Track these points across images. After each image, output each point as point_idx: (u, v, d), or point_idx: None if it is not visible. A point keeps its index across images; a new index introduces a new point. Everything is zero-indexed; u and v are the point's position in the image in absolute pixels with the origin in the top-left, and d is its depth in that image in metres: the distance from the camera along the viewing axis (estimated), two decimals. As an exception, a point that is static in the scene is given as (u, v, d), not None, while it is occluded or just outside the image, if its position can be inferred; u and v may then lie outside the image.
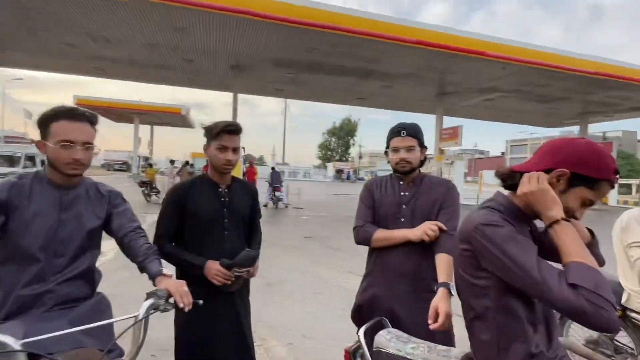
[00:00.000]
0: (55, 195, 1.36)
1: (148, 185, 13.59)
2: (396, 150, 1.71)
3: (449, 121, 19.52)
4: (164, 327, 3.15)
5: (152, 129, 32.32)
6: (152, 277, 1.32)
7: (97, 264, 1.50)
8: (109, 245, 1.52)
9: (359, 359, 1.43)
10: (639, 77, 13.82)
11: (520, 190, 1.07)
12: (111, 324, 1.31)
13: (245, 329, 1.79)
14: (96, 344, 1.21)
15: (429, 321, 1.44)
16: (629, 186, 29.54)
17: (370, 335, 1.41)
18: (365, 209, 1.82)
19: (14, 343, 0.92)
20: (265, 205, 13.95)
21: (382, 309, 1.65)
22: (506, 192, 1.19)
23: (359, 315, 1.77)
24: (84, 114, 1.34)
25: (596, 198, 1.05)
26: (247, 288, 1.87)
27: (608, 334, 2.29)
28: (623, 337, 2.28)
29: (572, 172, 1.02)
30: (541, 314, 1.10)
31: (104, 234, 1.50)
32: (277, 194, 13.73)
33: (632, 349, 2.19)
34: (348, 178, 52.15)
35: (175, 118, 27.40)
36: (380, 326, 1.50)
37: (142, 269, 1.37)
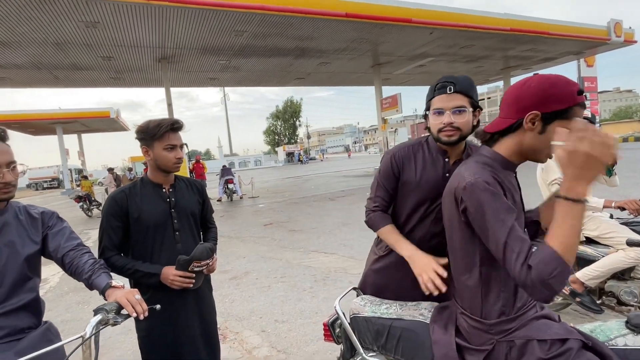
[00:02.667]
0: None
1: (86, 199, 12.52)
2: (439, 112, 1.31)
3: (387, 91, 20.08)
4: (129, 343, 3.03)
5: (79, 138, 29.58)
6: (102, 292, 1.25)
7: (41, 293, 1.40)
8: (51, 271, 1.40)
9: (337, 329, 1.48)
10: (547, 30, 15.19)
11: (567, 141, 0.90)
12: (62, 350, 1.24)
13: (212, 325, 1.78)
14: None
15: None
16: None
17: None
18: (382, 189, 1.50)
19: None
20: (220, 200, 13.57)
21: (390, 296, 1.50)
22: None
23: (365, 290, 1.60)
24: None
25: None
26: (209, 284, 1.84)
27: (613, 288, 2.48)
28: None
29: (541, 112, 1.01)
30: None
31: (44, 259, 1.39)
32: (230, 186, 13.39)
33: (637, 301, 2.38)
34: (299, 160, 52.13)
35: (105, 122, 25.23)
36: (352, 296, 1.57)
37: (89, 285, 1.30)
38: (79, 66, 14.07)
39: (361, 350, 1.37)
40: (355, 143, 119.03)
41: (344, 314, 1.43)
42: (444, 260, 1.30)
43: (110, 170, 14.15)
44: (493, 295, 1.12)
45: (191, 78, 17.89)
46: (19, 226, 1.32)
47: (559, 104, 0.99)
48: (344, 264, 4.68)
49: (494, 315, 1.11)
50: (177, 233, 1.66)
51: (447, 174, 1.37)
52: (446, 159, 1.39)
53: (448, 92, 1.29)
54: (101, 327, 1.09)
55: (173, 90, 15.70)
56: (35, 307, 1.34)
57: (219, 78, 18.53)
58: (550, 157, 1.05)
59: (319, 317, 3.23)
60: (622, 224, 2.45)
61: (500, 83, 24.73)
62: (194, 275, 1.55)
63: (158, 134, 1.56)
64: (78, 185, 19.88)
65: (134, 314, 1.15)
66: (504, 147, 1.12)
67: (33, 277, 1.34)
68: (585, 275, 2.50)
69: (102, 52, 12.65)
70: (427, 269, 1.29)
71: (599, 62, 25.39)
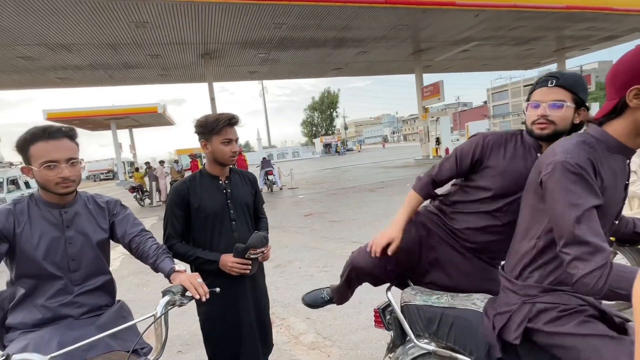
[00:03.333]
0: (54, 215, 1.37)
1: (139, 190, 13.42)
2: (536, 105, 1.26)
3: (428, 78, 19.40)
4: (184, 324, 3.24)
5: (131, 132, 31.55)
6: (167, 276, 1.35)
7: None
8: (112, 255, 1.54)
9: (388, 317, 1.51)
10: (608, 5, 13.78)
11: None
12: (135, 327, 1.38)
13: (265, 309, 1.87)
14: (123, 346, 1.28)
15: None
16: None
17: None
18: (451, 169, 1.46)
19: (40, 359, 0.96)
20: (260, 191, 13.93)
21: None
22: None
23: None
24: (60, 130, 1.33)
25: None
26: (262, 272, 1.93)
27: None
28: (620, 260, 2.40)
29: None
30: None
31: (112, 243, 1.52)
32: (270, 177, 13.72)
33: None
34: (336, 152, 52.07)
35: (153, 117, 26.71)
36: (404, 285, 1.59)
37: (155, 269, 1.41)
38: (129, 65, 14.97)
39: (413, 337, 1.38)
40: (394, 133, 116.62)
41: (395, 302, 1.45)
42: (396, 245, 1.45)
43: (162, 162, 15.01)
44: (537, 265, 1.14)
45: (232, 72, 18.39)
46: (88, 215, 1.44)
47: None
48: (386, 255, 4.66)
49: (530, 280, 1.15)
50: (233, 222, 1.75)
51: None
52: (538, 154, 1.31)
53: (549, 85, 1.23)
54: (170, 308, 1.18)
55: (215, 85, 16.25)
56: (109, 287, 1.48)
57: (259, 71, 18.88)
58: None
59: (363, 307, 3.25)
60: None
61: (554, 66, 22.95)
62: (250, 262, 1.63)
63: (216, 128, 1.64)
64: (130, 177, 21.28)
65: (197, 296, 1.23)
66: (614, 128, 1.03)
67: (105, 261, 1.48)
68: None
69: (150, 51, 13.35)
70: (387, 237, 1.45)
71: (670, 39, 22.72)
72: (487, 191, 1.37)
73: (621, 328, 1.06)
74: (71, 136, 1.36)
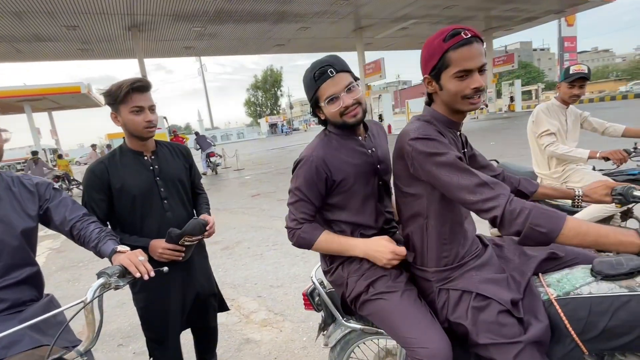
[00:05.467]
0: None
1: (65, 179, 12.13)
2: (334, 97, 1.24)
3: (370, 56, 19.68)
4: (124, 316, 3.04)
5: (50, 115, 28.11)
6: (109, 257, 1.23)
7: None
8: (37, 251, 1.35)
9: (316, 298, 1.50)
10: (530, -13, 14.92)
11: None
12: (65, 320, 1.23)
13: (209, 289, 1.78)
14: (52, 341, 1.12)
15: None
16: (529, 92, 33.15)
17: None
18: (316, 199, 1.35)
19: None
20: (205, 174, 13.34)
21: None
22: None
23: None
24: None
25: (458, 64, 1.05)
26: (204, 251, 1.81)
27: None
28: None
29: (429, 74, 1.12)
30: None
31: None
32: (212, 159, 13.13)
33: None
34: (282, 131, 51.44)
35: (76, 98, 23.86)
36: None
37: (98, 253, 1.28)
38: (41, 37, 13.18)
39: (340, 318, 1.42)
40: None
41: (321, 283, 1.47)
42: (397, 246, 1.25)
43: (94, 146, 13.66)
44: (437, 244, 1.16)
45: (165, 47, 17.04)
46: (12, 199, 1.25)
47: (433, 60, 1.09)
48: (334, 229, 4.74)
49: (437, 264, 1.17)
50: (165, 201, 1.58)
51: (370, 150, 1.31)
52: (359, 137, 1.32)
53: (331, 75, 1.20)
54: (104, 291, 1.06)
55: (149, 62, 14.97)
56: (36, 280, 1.30)
57: (195, 47, 17.72)
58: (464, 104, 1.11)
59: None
60: (604, 174, 2.53)
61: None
62: (183, 248, 1.50)
63: (120, 96, 1.43)
64: (54, 166, 19.08)
65: (138, 274, 1.13)
66: (436, 107, 1.20)
67: (31, 251, 1.30)
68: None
69: (66, 21, 11.82)
70: (387, 257, 1.21)
71: (579, 23, 25.40)
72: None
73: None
74: None
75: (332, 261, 1.36)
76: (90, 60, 18.98)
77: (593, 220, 2.51)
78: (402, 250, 1.21)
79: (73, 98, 23.49)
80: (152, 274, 1.15)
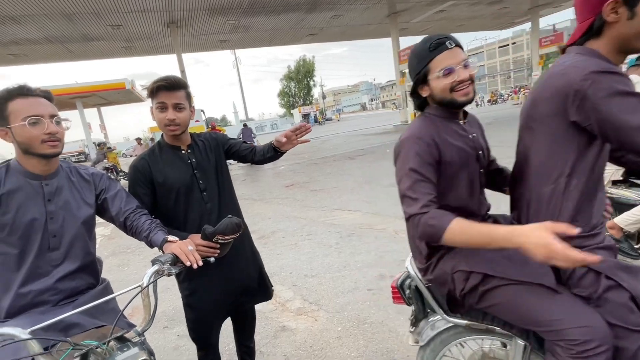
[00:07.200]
0: (35, 187, 1.24)
1: (113, 170, 12.97)
2: (450, 70, 1.17)
3: (405, 42, 19.08)
4: (169, 300, 3.21)
5: (99, 111, 29.95)
6: (160, 247, 1.29)
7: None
8: None
9: (407, 291, 1.37)
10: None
11: None
12: (117, 306, 1.31)
13: (256, 274, 1.80)
14: (110, 322, 1.20)
15: None
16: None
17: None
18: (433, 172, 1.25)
19: (21, 333, 0.88)
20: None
21: None
22: None
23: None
24: (36, 89, 1.22)
25: None
26: (249, 239, 1.81)
27: None
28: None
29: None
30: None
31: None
32: (249, 149, 13.45)
33: None
34: (316, 121, 51.42)
35: (121, 94, 25.14)
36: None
37: (149, 243, 1.33)
38: (89, 37, 13.99)
39: (442, 313, 1.29)
40: (372, 100, 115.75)
41: (416, 274, 1.34)
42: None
43: (138, 140, 14.44)
44: (574, 207, 1.07)
45: (201, 42, 17.50)
46: (72, 188, 1.31)
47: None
48: (369, 220, 4.71)
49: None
50: (204, 193, 1.62)
51: (472, 136, 1.23)
52: (460, 122, 1.25)
53: (450, 47, 1.15)
54: (158, 277, 1.12)
55: (187, 57, 15.48)
56: (93, 267, 1.37)
57: (230, 40, 18.05)
58: None
59: (347, 271, 3.30)
60: None
61: (527, 25, 22.93)
62: (218, 246, 1.48)
63: (150, 92, 1.48)
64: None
65: (188, 263, 1.18)
66: (596, 47, 1.01)
67: (89, 239, 1.35)
68: (624, 220, 2.39)
69: (111, 20, 12.46)
70: (553, 249, 0.84)
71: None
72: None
73: None
74: (48, 98, 1.24)
75: (430, 255, 1.23)
76: (133, 57, 19.91)
77: None
78: (572, 229, 0.85)
79: (118, 94, 24.79)
80: (201, 263, 1.19)
